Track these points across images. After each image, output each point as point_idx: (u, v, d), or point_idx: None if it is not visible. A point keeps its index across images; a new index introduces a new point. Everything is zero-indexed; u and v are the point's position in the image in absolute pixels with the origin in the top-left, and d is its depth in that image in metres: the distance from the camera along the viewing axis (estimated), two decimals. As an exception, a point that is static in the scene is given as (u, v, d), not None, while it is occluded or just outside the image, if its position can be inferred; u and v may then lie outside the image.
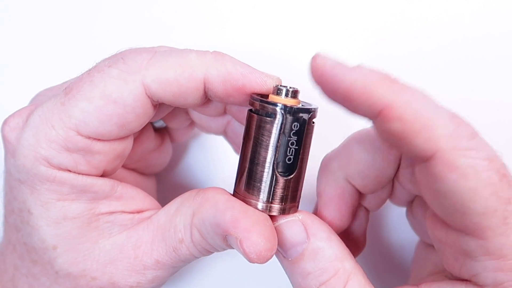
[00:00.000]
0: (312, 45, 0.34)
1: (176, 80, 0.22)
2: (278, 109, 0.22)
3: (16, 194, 0.24)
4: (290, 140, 0.22)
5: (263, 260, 0.21)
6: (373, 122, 0.21)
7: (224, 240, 0.22)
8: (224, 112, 0.27)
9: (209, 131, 0.31)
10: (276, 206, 0.23)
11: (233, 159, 0.32)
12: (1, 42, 0.35)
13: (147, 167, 0.31)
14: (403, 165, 0.25)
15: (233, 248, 0.23)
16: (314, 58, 0.20)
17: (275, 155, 0.22)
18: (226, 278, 0.35)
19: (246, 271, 0.35)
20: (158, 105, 0.24)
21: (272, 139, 0.22)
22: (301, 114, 0.22)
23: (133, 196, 0.25)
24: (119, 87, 0.22)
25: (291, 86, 0.22)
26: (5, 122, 0.24)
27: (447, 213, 0.21)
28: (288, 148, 0.22)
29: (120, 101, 0.22)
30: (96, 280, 0.24)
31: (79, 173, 0.23)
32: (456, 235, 0.21)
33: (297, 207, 0.24)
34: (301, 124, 0.22)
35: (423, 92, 0.20)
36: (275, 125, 0.22)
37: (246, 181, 0.23)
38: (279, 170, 0.22)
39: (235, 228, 0.21)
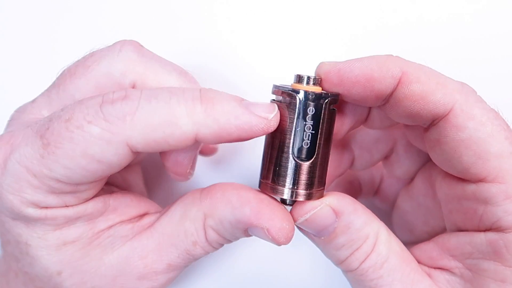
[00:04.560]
0: (310, 46, 0.34)
1: (165, 140, 0.21)
2: (295, 94, 0.22)
3: (9, 228, 0.23)
4: (306, 124, 0.22)
5: (289, 240, 0.22)
6: (393, 99, 0.22)
7: (245, 232, 0.23)
8: None
9: None
10: (301, 192, 0.23)
11: (231, 156, 0.33)
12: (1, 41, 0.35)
13: None
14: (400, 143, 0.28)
15: (251, 236, 0.24)
16: (322, 67, 0.23)
17: (293, 141, 0.23)
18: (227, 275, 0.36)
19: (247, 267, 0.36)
20: None
21: (290, 124, 0.22)
22: (318, 99, 0.22)
23: (128, 203, 0.25)
24: (102, 148, 0.21)
25: (312, 74, 0.23)
26: None
27: (468, 164, 0.22)
28: (305, 133, 0.22)
29: (104, 161, 0.21)
30: None
31: (68, 206, 0.23)
32: (475, 186, 0.23)
33: (324, 190, 0.24)
34: (317, 109, 0.22)
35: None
36: (292, 111, 0.22)
37: (271, 168, 0.23)
38: (298, 155, 0.23)
39: (259, 220, 0.22)
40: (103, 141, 0.21)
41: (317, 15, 0.34)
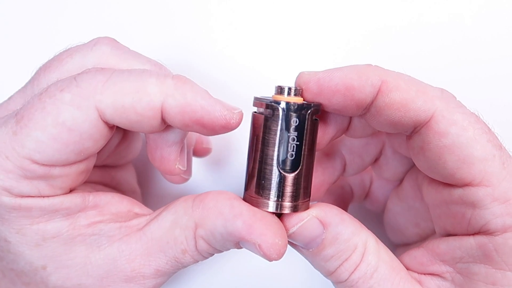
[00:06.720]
0: (307, 49, 0.34)
1: (132, 107, 0.21)
2: (277, 106, 0.22)
3: None
4: (290, 136, 0.22)
5: (282, 256, 0.22)
6: (373, 108, 0.22)
7: (236, 245, 0.23)
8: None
9: None
10: (287, 204, 0.23)
11: (226, 158, 0.33)
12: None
13: (118, 159, 0.30)
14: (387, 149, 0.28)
15: (242, 248, 0.23)
16: (302, 77, 0.23)
17: (277, 153, 0.22)
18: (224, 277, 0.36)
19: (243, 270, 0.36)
20: (115, 127, 0.23)
21: (273, 136, 0.22)
22: (300, 110, 0.22)
23: (108, 201, 0.24)
24: (73, 114, 0.21)
25: (293, 85, 0.23)
26: None
27: (453, 169, 0.22)
28: (289, 144, 0.22)
29: (75, 129, 0.21)
30: None
31: (43, 197, 0.22)
32: (462, 190, 0.23)
33: (309, 201, 0.24)
34: (300, 119, 0.22)
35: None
36: (274, 122, 0.22)
37: (255, 182, 0.23)
38: (283, 167, 0.22)
39: (251, 234, 0.22)
40: (74, 106, 0.21)
41: (314, 17, 0.34)
